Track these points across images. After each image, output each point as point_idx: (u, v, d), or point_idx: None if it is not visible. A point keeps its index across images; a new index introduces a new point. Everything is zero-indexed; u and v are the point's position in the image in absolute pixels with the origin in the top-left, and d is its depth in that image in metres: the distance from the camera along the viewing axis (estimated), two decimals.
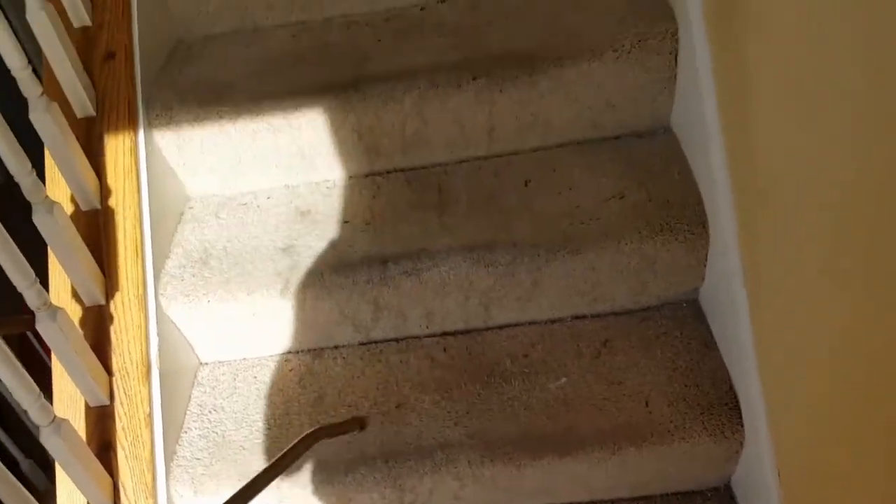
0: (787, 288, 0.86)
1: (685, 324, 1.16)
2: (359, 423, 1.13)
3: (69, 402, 1.09)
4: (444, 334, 1.22)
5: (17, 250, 0.90)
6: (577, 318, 1.20)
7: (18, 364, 0.88)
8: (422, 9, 1.33)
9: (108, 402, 1.10)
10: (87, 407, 1.09)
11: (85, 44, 1.22)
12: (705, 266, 1.13)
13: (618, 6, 1.20)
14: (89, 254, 1.12)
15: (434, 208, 1.22)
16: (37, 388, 0.90)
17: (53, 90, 1.18)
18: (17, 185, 1.00)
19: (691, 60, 1.07)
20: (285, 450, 0.99)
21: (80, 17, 1.22)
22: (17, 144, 0.97)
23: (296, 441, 1.01)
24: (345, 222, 1.25)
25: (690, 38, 1.06)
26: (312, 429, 1.07)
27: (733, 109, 0.96)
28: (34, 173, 1.01)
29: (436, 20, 1.30)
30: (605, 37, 1.15)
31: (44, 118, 1.08)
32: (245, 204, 1.31)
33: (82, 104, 1.19)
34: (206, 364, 1.27)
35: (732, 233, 0.99)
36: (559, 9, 1.24)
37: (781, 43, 0.79)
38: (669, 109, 1.19)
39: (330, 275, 1.15)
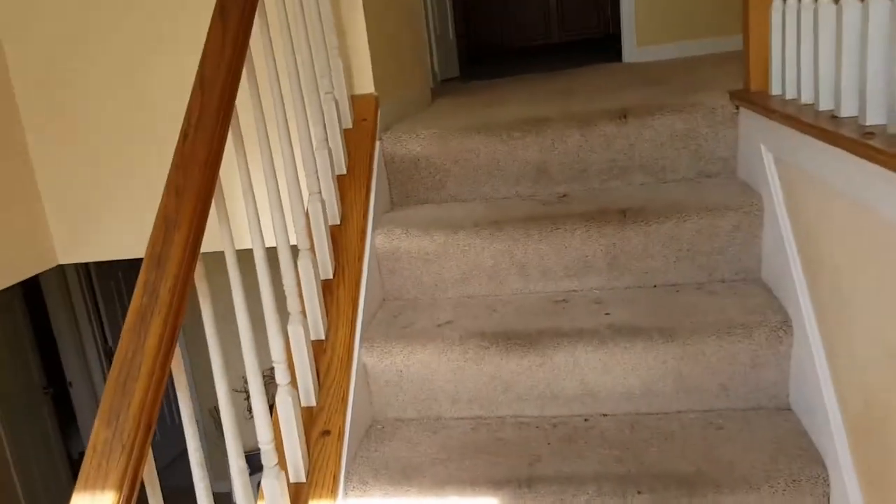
0: None
1: None
2: None
3: None
4: None
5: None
6: None
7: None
8: (585, 419, 1.55)
9: None
10: None
11: (308, 422, 1.48)
12: None
13: (768, 444, 1.36)
14: None
15: None
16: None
17: (279, 457, 1.41)
18: None
19: None
20: None
21: (309, 399, 1.51)
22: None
23: None
24: None
25: (844, 490, 1.18)
26: None
27: None
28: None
29: (599, 432, 1.50)
30: (758, 472, 1.29)
31: (273, 484, 1.30)
32: None
33: (297, 472, 1.41)
34: None
35: None
36: (713, 439, 1.41)
37: None
38: None
39: None
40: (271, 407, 1.41)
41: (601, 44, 5.89)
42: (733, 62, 2.38)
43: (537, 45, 6.29)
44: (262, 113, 1.36)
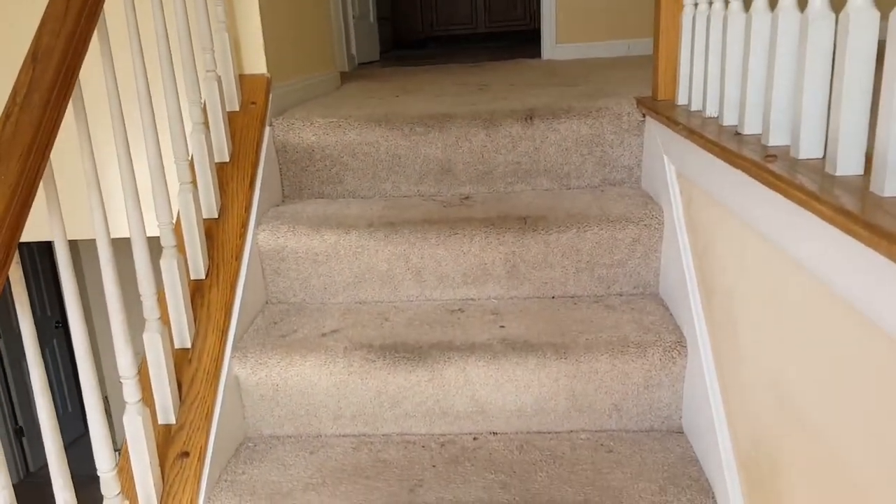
0: None
1: None
2: None
3: None
4: None
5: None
6: None
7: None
8: (475, 438, 1.45)
9: None
10: None
11: (164, 441, 1.32)
12: None
13: (658, 472, 1.30)
14: None
15: None
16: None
17: (125, 481, 1.25)
18: None
19: None
20: None
21: (168, 416, 1.34)
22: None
23: None
24: None
25: None
26: None
27: None
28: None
29: (487, 452, 1.41)
30: None
31: None
32: None
33: (148, 499, 1.24)
34: None
35: None
36: (603, 463, 1.34)
37: None
38: None
39: None
40: None
41: (526, 36, 5.87)
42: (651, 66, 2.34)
43: (464, 33, 6.23)
44: (117, 88, 1.19)
